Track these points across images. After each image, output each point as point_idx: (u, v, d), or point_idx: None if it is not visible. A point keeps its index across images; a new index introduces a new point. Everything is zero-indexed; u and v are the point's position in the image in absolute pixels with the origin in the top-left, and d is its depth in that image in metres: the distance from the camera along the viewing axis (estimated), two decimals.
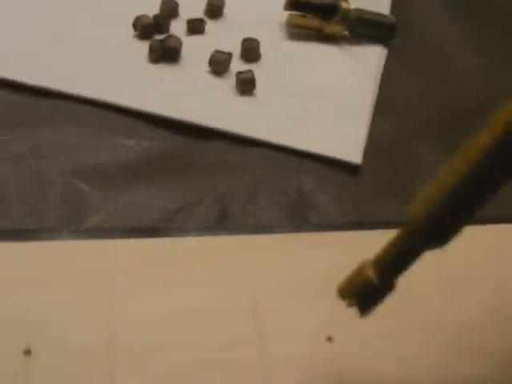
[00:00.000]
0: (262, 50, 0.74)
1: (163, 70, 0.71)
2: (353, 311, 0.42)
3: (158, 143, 0.64)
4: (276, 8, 0.78)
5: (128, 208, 0.58)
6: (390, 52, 0.79)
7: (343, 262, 0.54)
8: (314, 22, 0.77)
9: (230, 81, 0.71)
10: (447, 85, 0.76)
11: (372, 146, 0.68)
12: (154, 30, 0.73)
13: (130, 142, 0.63)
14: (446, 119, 0.72)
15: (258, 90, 0.70)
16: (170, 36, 0.72)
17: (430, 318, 0.52)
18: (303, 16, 0.78)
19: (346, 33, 0.79)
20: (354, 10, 0.78)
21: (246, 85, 0.70)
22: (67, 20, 0.74)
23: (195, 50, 0.72)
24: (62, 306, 0.49)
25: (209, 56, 0.71)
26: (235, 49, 0.73)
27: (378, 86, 0.74)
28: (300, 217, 0.61)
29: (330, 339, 0.50)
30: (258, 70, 0.71)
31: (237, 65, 0.72)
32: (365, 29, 0.79)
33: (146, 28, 0.73)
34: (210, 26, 0.77)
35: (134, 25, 0.73)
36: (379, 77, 0.75)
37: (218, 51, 0.71)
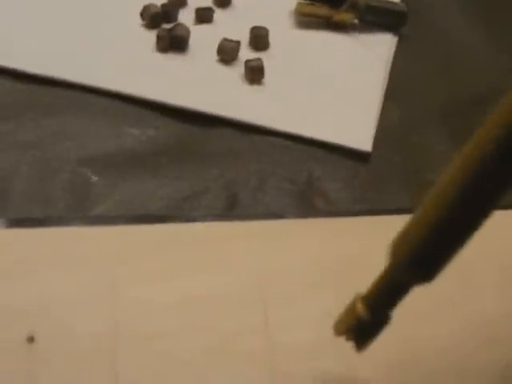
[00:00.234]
0: (271, 38, 0.73)
1: (171, 59, 0.70)
2: None
3: (164, 132, 0.63)
4: None
5: (134, 197, 0.58)
6: (400, 40, 0.78)
7: (352, 249, 0.54)
8: (322, 10, 0.77)
9: (238, 69, 0.70)
10: (457, 73, 0.76)
11: (382, 134, 0.67)
12: (162, 19, 0.73)
13: (135, 130, 0.63)
14: (456, 108, 0.71)
15: (267, 78, 0.69)
16: (178, 25, 0.71)
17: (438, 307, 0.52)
18: (312, 4, 0.77)
19: (356, 21, 0.78)
20: None
21: (254, 73, 0.69)
22: (74, 9, 0.73)
23: (203, 39, 0.72)
24: (65, 293, 0.49)
25: (217, 45, 0.70)
26: (244, 38, 0.73)
27: (388, 73, 0.74)
28: (309, 204, 0.60)
29: None
30: (267, 59, 0.70)
31: (245, 53, 0.71)
32: (374, 17, 0.78)
33: (153, 17, 0.72)
34: (219, 14, 0.76)
35: (142, 14, 0.73)
36: (389, 65, 0.75)
37: (226, 39, 0.70)
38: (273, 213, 0.58)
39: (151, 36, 0.71)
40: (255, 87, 0.69)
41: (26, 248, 0.51)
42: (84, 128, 0.62)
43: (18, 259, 0.50)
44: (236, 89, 0.69)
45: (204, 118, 0.65)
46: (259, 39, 0.73)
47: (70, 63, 0.67)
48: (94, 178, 0.59)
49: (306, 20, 0.77)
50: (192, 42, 0.71)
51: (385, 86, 0.72)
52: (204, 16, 0.75)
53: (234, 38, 0.71)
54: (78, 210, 0.56)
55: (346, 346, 0.43)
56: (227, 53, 0.70)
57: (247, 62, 0.69)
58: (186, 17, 0.75)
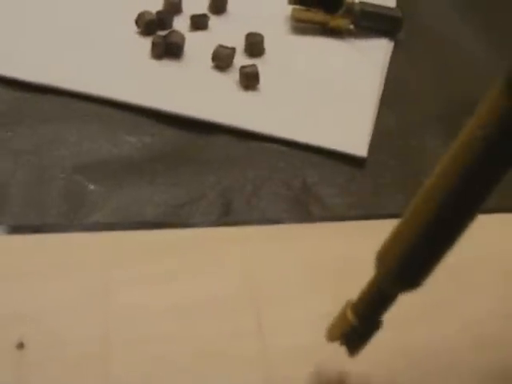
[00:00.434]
0: (266, 44, 0.73)
1: (166, 66, 0.70)
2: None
3: (160, 139, 0.64)
4: (280, 2, 0.77)
5: (131, 204, 0.58)
6: (395, 45, 0.78)
7: (348, 254, 0.54)
8: (318, 15, 0.77)
9: (233, 76, 0.70)
10: (453, 78, 0.76)
11: (378, 139, 0.67)
12: (157, 26, 0.73)
13: (132, 137, 0.63)
14: (452, 112, 0.71)
15: (262, 84, 0.70)
16: (173, 32, 0.72)
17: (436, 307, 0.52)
18: (307, 10, 0.77)
19: (351, 26, 0.78)
20: (359, 3, 0.77)
21: (249, 79, 0.69)
22: (69, 17, 0.73)
23: (198, 46, 0.72)
24: (59, 299, 0.49)
25: (212, 52, 0.70)
26: (239, 44, 0.73)
27: (383, 79, 0.74)
28: (305, 210, 0.60)
29: None
30: (262, 65, 0.70)
31: (240, 60, 0.71)
32: (370, 22, 0.78)
33: (148, 24, 0.73)
34: (214, 21, 0.76)
35: (137, 21, 0.73)
36: (385, 70, 0.75)
37: (221, 46, 0.71)
38: (269, 218, 0.58)
39: (146, 43, 0.71)
40: (250, 93, 0.69)
41: (22, 254, 0.51)
42: (80, 135, 0.62)
43: (13, 265, 0.50)
44: (231, 95, 0.69)
45: (200, 125, 0.65)
46: (254, 45, 0.73)
47: (65, 71, 0.67)
48: (91, 186, 0.59)
49: (301, 26, 0.78)
50: (187, 48, 0.72)
51: (381, 92, 0.72)
52: (199, 23, 0.75)
53: (229, 44, 0.71)
54: (75, 217, 0.56)
55: (340, 349, 0.43)
56: (222, 59, 0.71)
57: (242, 68, 0.69)
58: (180, 24, 0.75)
